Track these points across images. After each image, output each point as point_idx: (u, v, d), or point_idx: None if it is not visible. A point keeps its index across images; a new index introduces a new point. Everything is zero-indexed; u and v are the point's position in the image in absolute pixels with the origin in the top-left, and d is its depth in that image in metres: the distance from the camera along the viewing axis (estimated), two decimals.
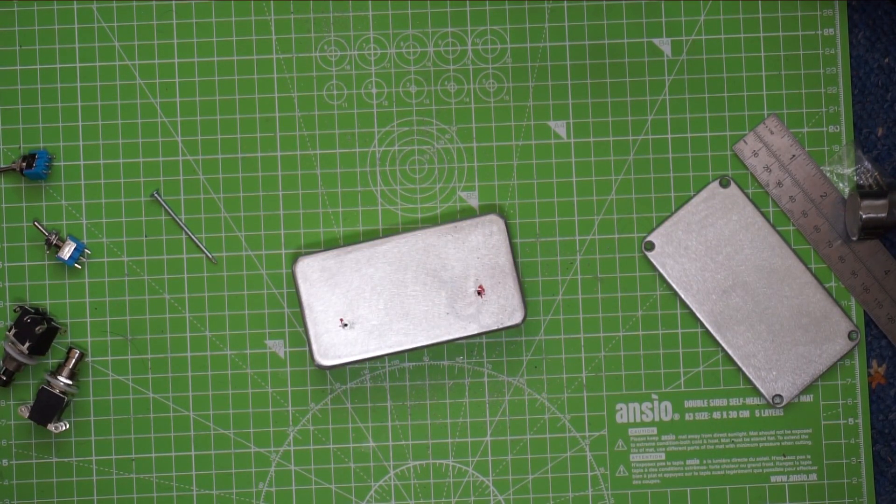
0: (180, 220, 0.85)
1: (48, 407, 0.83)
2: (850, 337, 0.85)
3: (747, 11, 0.86)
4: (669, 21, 0.86)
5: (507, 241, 0.81)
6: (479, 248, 0.81)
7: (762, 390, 0.85)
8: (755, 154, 0.85)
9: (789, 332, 0.85)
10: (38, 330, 0.82)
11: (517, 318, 0.81)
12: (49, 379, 0.83)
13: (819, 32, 0.86)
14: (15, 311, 0.83)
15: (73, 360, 0.83)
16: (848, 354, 0.85)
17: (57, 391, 0.83)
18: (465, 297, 0.81)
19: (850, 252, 0.85)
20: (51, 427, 0.83)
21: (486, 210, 0.85)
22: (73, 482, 0.85)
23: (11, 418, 0.85)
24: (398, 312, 0.81)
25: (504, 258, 0.81)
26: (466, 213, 0.85)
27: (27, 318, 0.82)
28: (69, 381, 0.83)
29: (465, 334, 0.81)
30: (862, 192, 0.83)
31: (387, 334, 0.81)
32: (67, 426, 0.84)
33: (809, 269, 0.85)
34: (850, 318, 0.85)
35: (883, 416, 0.86)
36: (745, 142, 0.85)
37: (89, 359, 0.85)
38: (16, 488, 0.85)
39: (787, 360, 0.85)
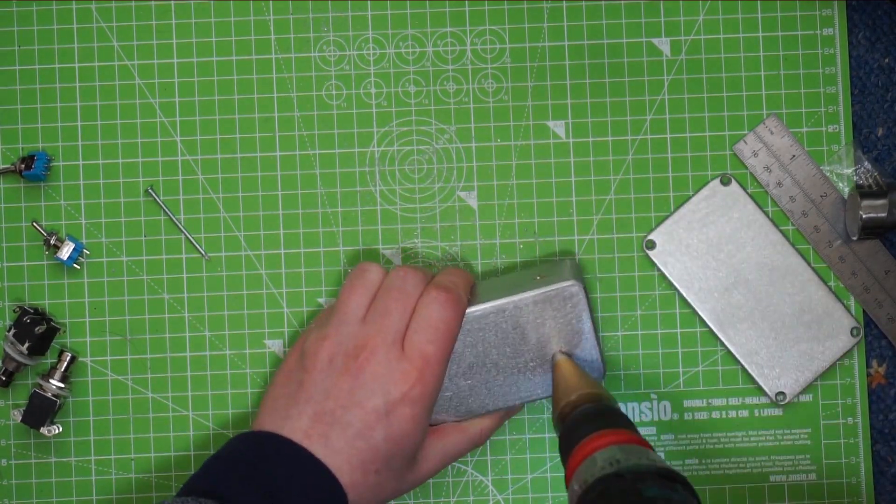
0: (174, 217, 0.85)
1: (41, 410, 0.83)
2: (852, 333, 0.85)
3: (746, 11, 0.86)
4: (668, 21, 0.86)
5: (588, 308, 0.77)
6: (558, 317, 0.78)
7: (765, 388, 0.85)
8: (755, 154, 0.85)
9: (791, 329, 0.85)
10: (37, 330, 0.82)
11: (596, 376, 0.79)
12: (41, 382, 0.83)
13: (818, 32, 0.86)
14: (14, 311, 0.83)
15: (66, 363, 0.83)
16: (848, 354, 0.85)
17: (49, 394, 0.83)
18: (546, 363, 0.78)
19: (850, 252, 0.85)
20: (44, 430, 0.83)
21: (562, 271, 0.80)
22: (72, 482, 0.85)
23: (10, 419, 0.85)
24: (479, 380, 0.78)
25: (585, 324, 0.78)
26: (544, 255, 0.85)
27: (26, 319, 0.82)
28: (61, 384, 0.83)
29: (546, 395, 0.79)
30: (862, 191, 0.83)
31: (466, 400, 0.79)
32: (60, 429, 0.84)
33: (811, 266, 0.85)
34: (851, 314, 0.85)
35: (883, 415, 0.86)
36: (744, 142, 0.85)
37: (88, 359, 0.85)
38: (15, 488, 0.85)
39: (790, 358, 0.85)
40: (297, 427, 0.71)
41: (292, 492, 0.69)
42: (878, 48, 0.86)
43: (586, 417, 0.70)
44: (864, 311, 0.85)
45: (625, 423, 0.70)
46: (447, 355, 0.74)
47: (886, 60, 0.86)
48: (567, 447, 0.69)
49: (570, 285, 0.76)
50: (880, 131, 0.86)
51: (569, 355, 0.77)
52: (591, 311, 0.77)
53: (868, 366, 0.86)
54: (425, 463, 0.75)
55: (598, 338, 0.78)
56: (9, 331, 0.82)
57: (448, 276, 0.77)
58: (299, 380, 0.73)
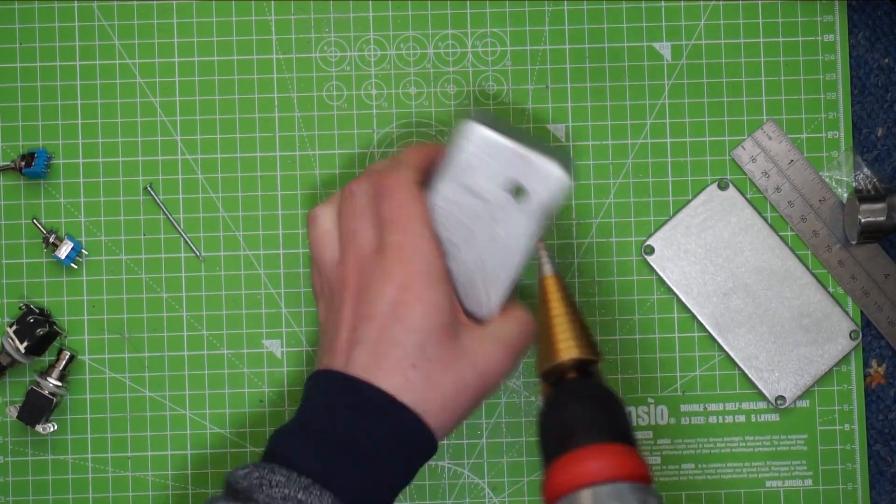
0: (171, 216, 0.85)
1: (37, 408, 0.83)
2: (851, 336, 0.85)
3: (747, 16, 0.86)
4: (669, 25, 0.86)
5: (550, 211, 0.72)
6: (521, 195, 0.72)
7: (765, 392, 0.85)
8: (753, 160, 0.85)
9: (790, 333, 0.85)
10: (38, 332, 0.82)
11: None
12: (38, 380, 0.83)
13: (819, 38, 0.86)
14: (20, 308, 0.84)
15: (64, 362, 0.84)
16: (845, 359, 0.85)
17: (46, 392, 0.83)
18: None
19: (849, 256, 0.85)
20: (39, 428, 0.83)
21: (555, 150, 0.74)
22: (69, 479, 0.85)
23: (6, 415, 0.85)
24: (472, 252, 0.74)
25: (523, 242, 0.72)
26: None
27: (30, 318, 0.82)
28: (59, 383, 0.83)
29: None
30: (860, 196, 0.83)
31: None
32: (56, 427, 0.84)
33: (809, 270, 0.85)
34: (850, 317, 0.85)
35: (882, 415, 0.86)
36: (742, 147, 0.85)
37: (86, 356, 0.85)
38: (11, 485, 0.85)
39: (789, 361, 0.85)
40: (326, 363, 0.71)
41: (351, 428, 0.68)
42: (878, 48, 0.86)
43: (581, 405, 0.63)
44: (861, 313, 0.85)
45: (623, 424, 0.64)
46: (420, 230, 0.71)
47: (886, 60, 0.86)
48: (552, 442, 0.62)
49: (560, 172, 0.71)
50: (880, 131, 0.86)
51: (554, 266, 0.72)
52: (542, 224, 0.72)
53: (867, 365, 0.86)
54: (478, 348, 0.71)
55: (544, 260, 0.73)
56: (10, 326, 0.82)
57: (387, 161, 0.75)
58: (320, 323, 0.74)
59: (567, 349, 0.66)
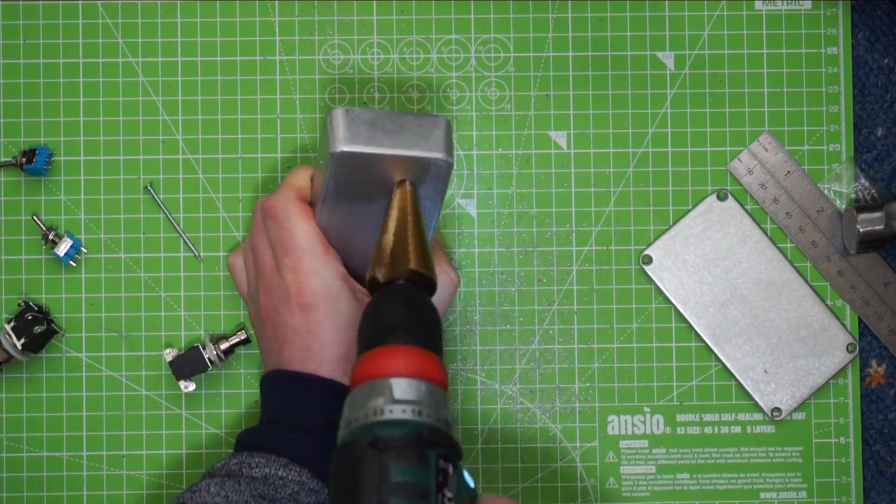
0: (171, 215, 0.85)
1: (190, 365, 0.83)
2: (848, 349, 0.85)
3: (751, 28, 0.86)
4: (673, 35, 0.86)
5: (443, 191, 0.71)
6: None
7: (760, 403, 0.85)
8: (750, 172, 0.85)
9: (787, 344, 0.85)
10: (36, 329, 0.82)
11: None
12: (207, 342, 0.83)
13: (823, 51, 0.86)
14: (19, 305, 0.84)
15: (238, 340, 0.84)
16: (842, 372, 0.85)
17: (207, 356, 0.83)
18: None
19: (848, 266, 0.85)
20: (181, 384, 0.83)
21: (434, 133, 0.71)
22: (64, 476, 0.85)
23: (3, 411, 0.85)
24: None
25: (435, 205, 0.72)
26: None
27: (28, 315, 0.82)
28: (222, 356, 0.83)
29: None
30: (858, 205, 0.83)
31: None
32: (194, 387, 0.84)
33: (807, 282, 0.85)
34: (847, 330, 0.85)
35: (882, 415, 0.86)
36: (739, 159, 0.85)
37: (83, 354, 0.85)
38: (5, 481, 0.85)
39: (786, 373, 0.85)
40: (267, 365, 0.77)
41: (298, 407, 0.73)
42: (878, 48, 0.86)
43: (407, 309, 0.63)
44: (859, 321, 0.85)
45: (436, 336, 0.64)
46: (307, 247, 0.73)
47: (886, 60, 0.86)
48: (373, 333, 0.63)
49: (440, 158, 0.68)
50: (880, 131, 0.86)
51: (414, 187, 0.69)
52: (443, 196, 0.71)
53: (867, 365, 0.86)
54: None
55: (435, 226, 0.73)
56: (8, 322, 0.82)
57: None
58: (263, 326, 0.77)
59: (416, 259, 0.66)
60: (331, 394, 0.72)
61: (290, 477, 0.70)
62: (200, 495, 0.68)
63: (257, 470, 0.70)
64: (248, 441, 0.73)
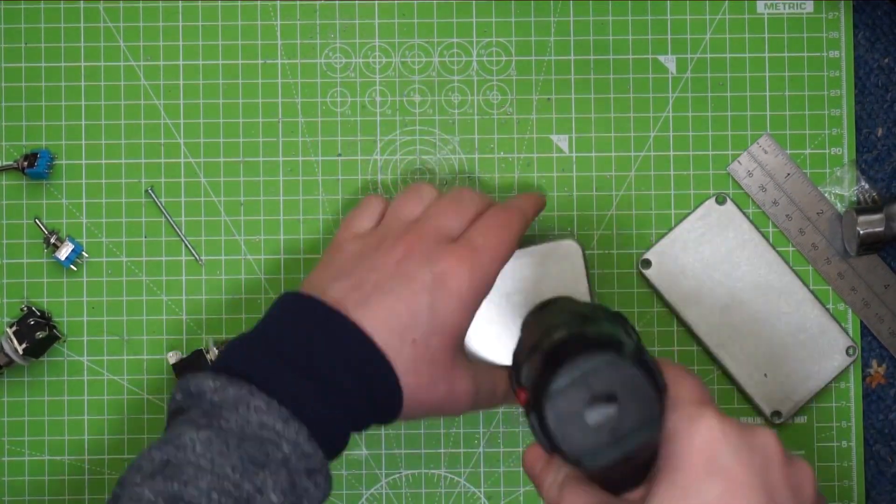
0: (172, 219, 0.85)
1: (192, 368, 0.83)
2: (847, 353, 0.85)
3: (753, 31, 0.86)
4: (675, 38, 0.86)
5: (585, 270, 0.79)
6: (555, 274, 0.78)
7: (761, 407, 0.85)
8: (750, 174, 0.85)
9: (787, 348, 0.85)
10: (38, 335, 0.82)
11: None
12: (210, 345, 0.83)
13: (825, 55, 0.86)
14: (21, 309, 0.83)
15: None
16: (843, 376, 0.85)
17: (209, 359, 0.83)
18: None
19: (848, 268, 0.85)
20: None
21: (562, 234, 0.83)
22: (65, 480, 0.85)
23: (4, 415, 0.85)
24: (504, 323, 0.78)
25: (582, 286, 0.78)
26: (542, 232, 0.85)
27: (31, 321, 0.82)
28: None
29: None
30: (858, 207, 0.83)
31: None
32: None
33: (806, 286, 0.85)
34: (847, 333, 0.85)
35: (882, 415, 0.86)
36: (739, 162, 0.85)
37: (84, 357, 0.85)
38: (7, 485, 0.85)
39: (786, 377, 0.85)
40: (336, 292, 0.68)
41: (326, 356, 0.66)
42: (878, 48, 0.86)
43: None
44: (860, 323, 0.86)
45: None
46: (500, 256, 0.71)
47: (886, 60, 0.86)
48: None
49: (568, 243, 0.79)
50: (880, 131, 0.86)
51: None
52: (590, 279, 0.79)
53: (868, 366, 0.86)
54: (459, 379, 0.71)
55: (593, 298, 0.79)
56: (10, 327, 0.82)
57: (517, 199, 0.76)
58: (347, 253, 0.72)
59: None
60: (375, 374, 0.67)
61: (287, 434, 0.63)
62: (186, 454, 0.63)
63: (255, 416, 0.63)
64: (250, 369, 0.65)
